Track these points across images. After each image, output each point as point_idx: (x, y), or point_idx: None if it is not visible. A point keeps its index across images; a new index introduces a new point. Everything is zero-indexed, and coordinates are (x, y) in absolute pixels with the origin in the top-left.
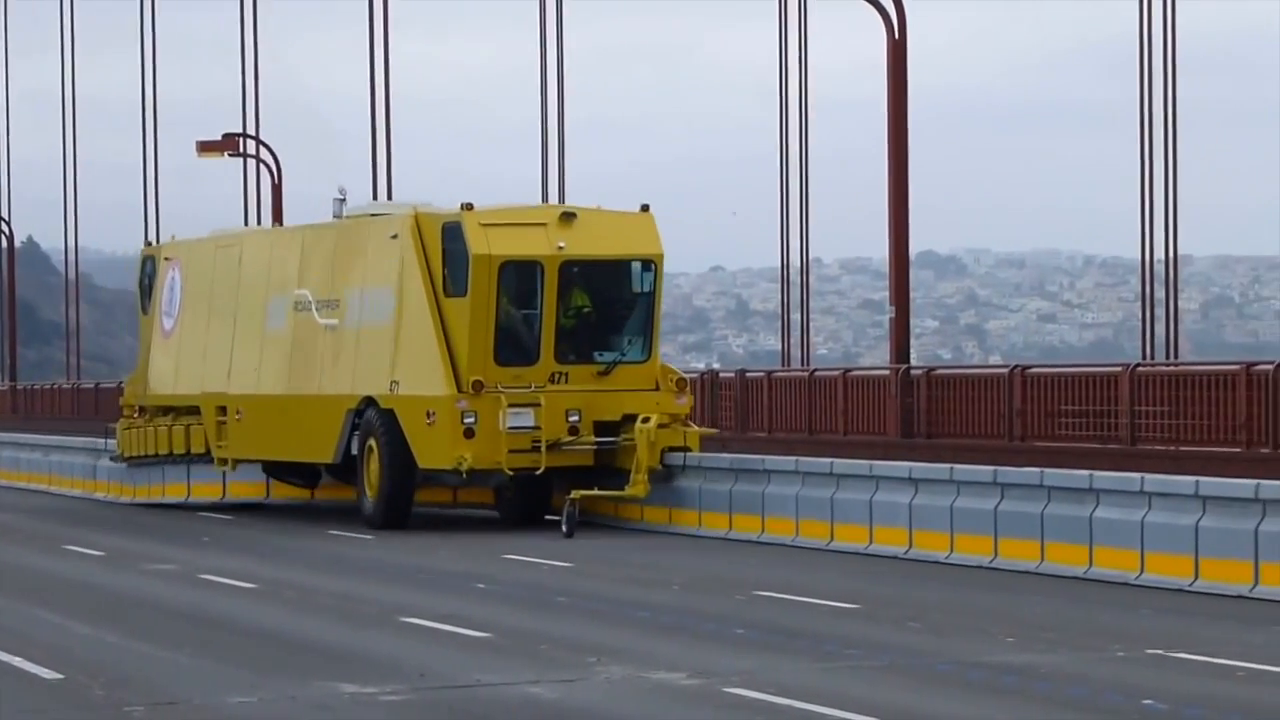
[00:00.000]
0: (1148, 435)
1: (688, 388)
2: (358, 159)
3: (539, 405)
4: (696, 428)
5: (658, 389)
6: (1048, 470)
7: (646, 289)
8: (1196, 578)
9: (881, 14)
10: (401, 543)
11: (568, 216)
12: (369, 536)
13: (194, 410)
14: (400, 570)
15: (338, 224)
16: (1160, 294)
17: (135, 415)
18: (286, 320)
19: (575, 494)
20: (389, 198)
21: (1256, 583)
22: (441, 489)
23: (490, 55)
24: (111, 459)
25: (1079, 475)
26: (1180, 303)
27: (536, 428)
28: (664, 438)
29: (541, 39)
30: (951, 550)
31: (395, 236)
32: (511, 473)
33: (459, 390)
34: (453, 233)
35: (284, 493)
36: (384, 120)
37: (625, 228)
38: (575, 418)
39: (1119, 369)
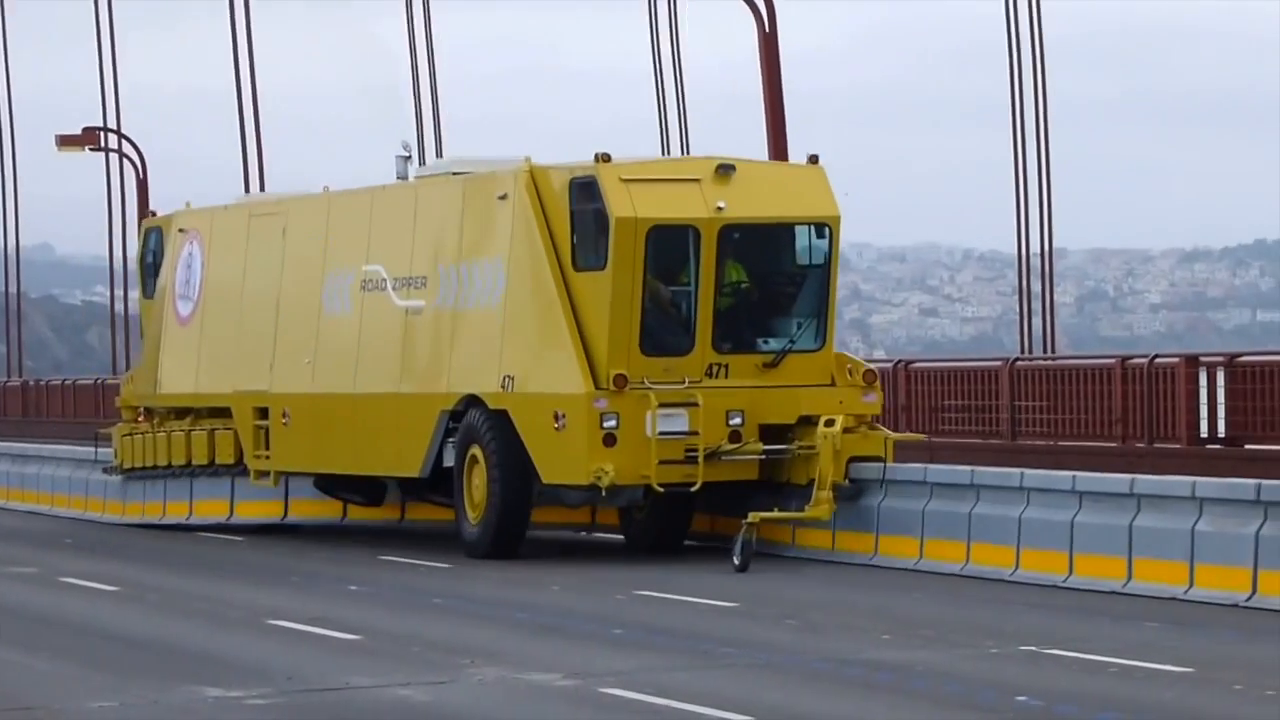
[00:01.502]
0: (1028, 430)
1: (877, 382)
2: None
3: (696, 405)
4: (888, 431)
5: (833, 384)
6: (930, 466)
7: (819, 260)
8: (1071, 574)
9: (753, 9)
10: (506, 574)
11: (726, 169)
12: (445, 566)
13: (221, 412)
14: (510, 610)
15: (418, 184)
16: (1036, 288)
17: (139, 419)
18: (352, 302)
19: (754, 517)
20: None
21: (1129, 578)
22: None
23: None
24: (105, 471)
25: (960, 471)
26: (1055, 296)
27: (693, 433)
28: (851, 445)
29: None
30: (834, 547)
31: (505, 197)
32: (662, 489)
33: (596, 387)
34: (585, 190)
35: (307, 511)
36: (252, 114)
37: (792, 184)
38: (737, 420)
39: (999, 364)
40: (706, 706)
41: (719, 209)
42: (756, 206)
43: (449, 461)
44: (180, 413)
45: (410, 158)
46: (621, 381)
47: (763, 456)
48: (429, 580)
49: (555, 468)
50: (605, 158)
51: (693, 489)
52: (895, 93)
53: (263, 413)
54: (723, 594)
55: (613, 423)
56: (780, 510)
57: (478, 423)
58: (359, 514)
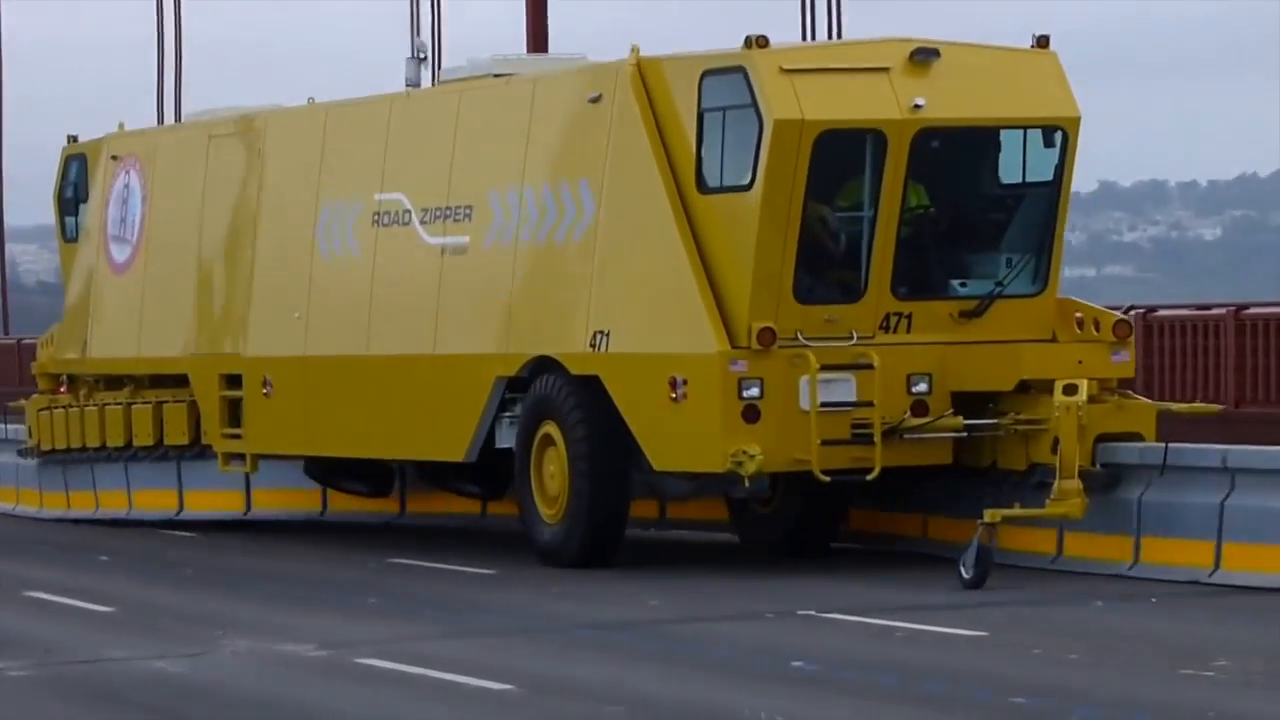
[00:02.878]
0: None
1: (1131, 336)
2: None
3: (870, 367)
4: (1146, 400)
5: (1054, 339)
6: (1232, 448)
7: (1045, 175)
8: None
9: None
10: (605, 587)
11: (925, 54)
12: (488, 572)
13: (170, 381)
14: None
15: (460, 89)
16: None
17: (60, 389)
18: (360, 241)
19: (993, 515)
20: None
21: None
22: None
23: None
24: (20, 453)
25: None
26: None
27: (865, 403)
28: (1100, 419)
29: None
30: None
31: (598, 99)
32: (827, 478)
33: (733, 344)
34: (728, 85)
35: (276, 503)
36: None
37: (1013, 75)
38: (922, 387)
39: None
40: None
41: (916, 107)
42: (966, 104)
43: (504, 442)
44: (113, 381)
45: (426, 59)
46: (768, 337)
47: (963, 434)
48: (503, 595)
49: (672, 450)
50: (761, 41)
51: (867, 477)
52: None
53: (233, 381)
54: (975, 621)
55: (755, 391)
56: (1021, 506)
57: (555, 393)
58: (344, 505)
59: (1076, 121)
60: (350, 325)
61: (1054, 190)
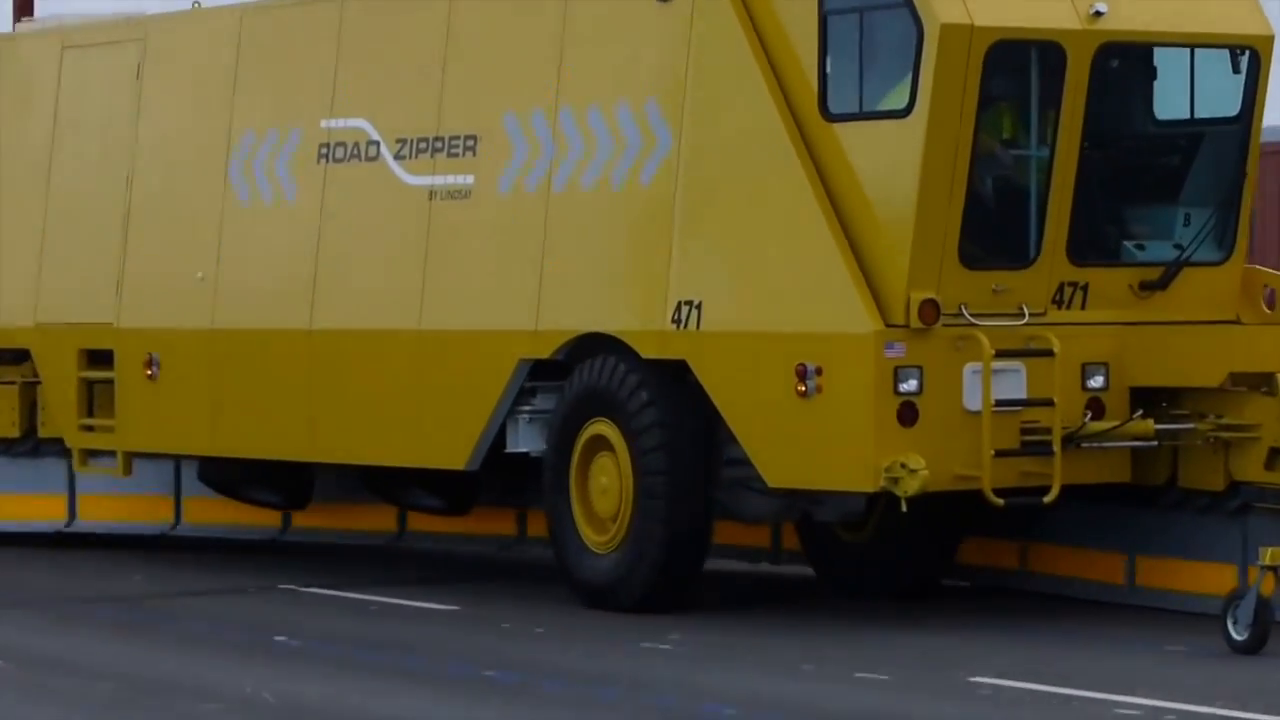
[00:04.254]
0: None
1: None
2: None
3: (1050, 354)
4: None
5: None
6: None
7: (1233, 110)
8: None
9: None
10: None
11: None
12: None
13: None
14: None
15: None
16: None
17: None
18: (298, 182)
19: (1271, 555)
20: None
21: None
22: None
23: None
24: None
25: None
26: None
27: (1044, 402)
28: None
29: None
30: None
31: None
32: (1001, 501)
33: (885, 323)
34: None
35: (106, 513)
36: None
37: None
38: (1098, 381)
39: None
40: None
41: (1097, 14)
42: (1148, 15)
43: (521, 445)
44: None
45: None
46: (932, 312)
47: (1154, 442)
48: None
49: (800, 460)
50: None
51: (1045, 500)
52: None
53: (97, 358)
54: None
55: (914, 384)
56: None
57: (615, 382)
58: (203, 517)
59: (1271, 41)
60: (284, 290)
61: (1244, 129)
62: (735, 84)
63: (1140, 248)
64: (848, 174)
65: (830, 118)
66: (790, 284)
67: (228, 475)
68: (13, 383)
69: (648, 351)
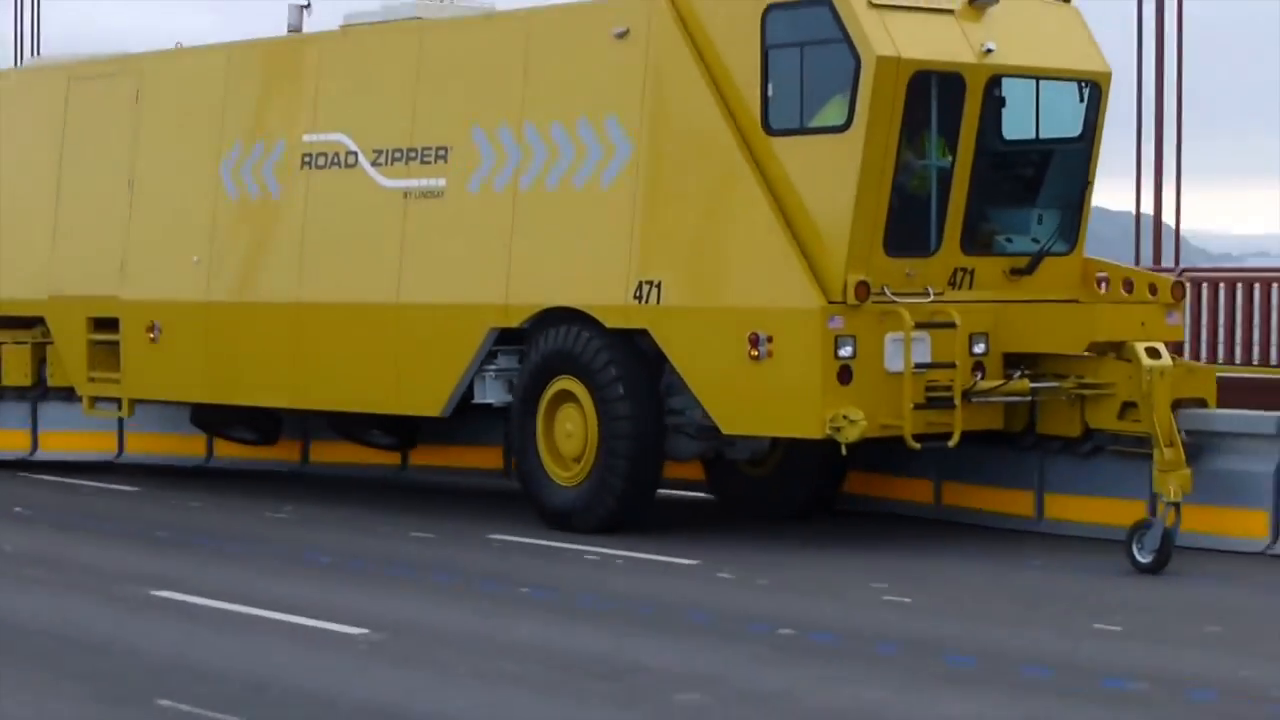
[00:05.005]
0: None
1: (1185, 298)
2: None
3: (952, 326)
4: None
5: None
6: None
7: (1081, 130)
8: None
9: None
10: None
11: (985, 0)
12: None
13: (16, 324)
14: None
15: (413, 28)
16: None
17: None
18: (281, 183)
19: (1177, 491)
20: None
21: None
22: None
23: None
24: None
25: None
26: None
27: (948, 364)
28: (1177, 384)
29: None
30: None
31: (624, 34)
32: (919, 445)
33: (826, 300)
34: (804, 20)
35: (151, 447)
36: None
37: (1051, 27)
38: (981, 348)
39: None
40: None
41: (988, 51)
42: (1025, 52)
43: (485, 397)
44: None
45: (309, 7)
46: (864, 292)
47: (1029, 398)
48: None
49: (751, 412)
50: None
51: (949, 444)
52: None
53: (102, 325)
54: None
55: (849, 350)
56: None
57: (580, 347)
58: (232, 452)
59: (1109, 77)
60: (271, 270)
61: (1087, 146)
62: (688, 104)
63: (1009, 240)
64: (785, 178)
65: (771, 132)
66: (742, 267)
67: (214, 418)
68: (24, 343)
69: (612, 322)
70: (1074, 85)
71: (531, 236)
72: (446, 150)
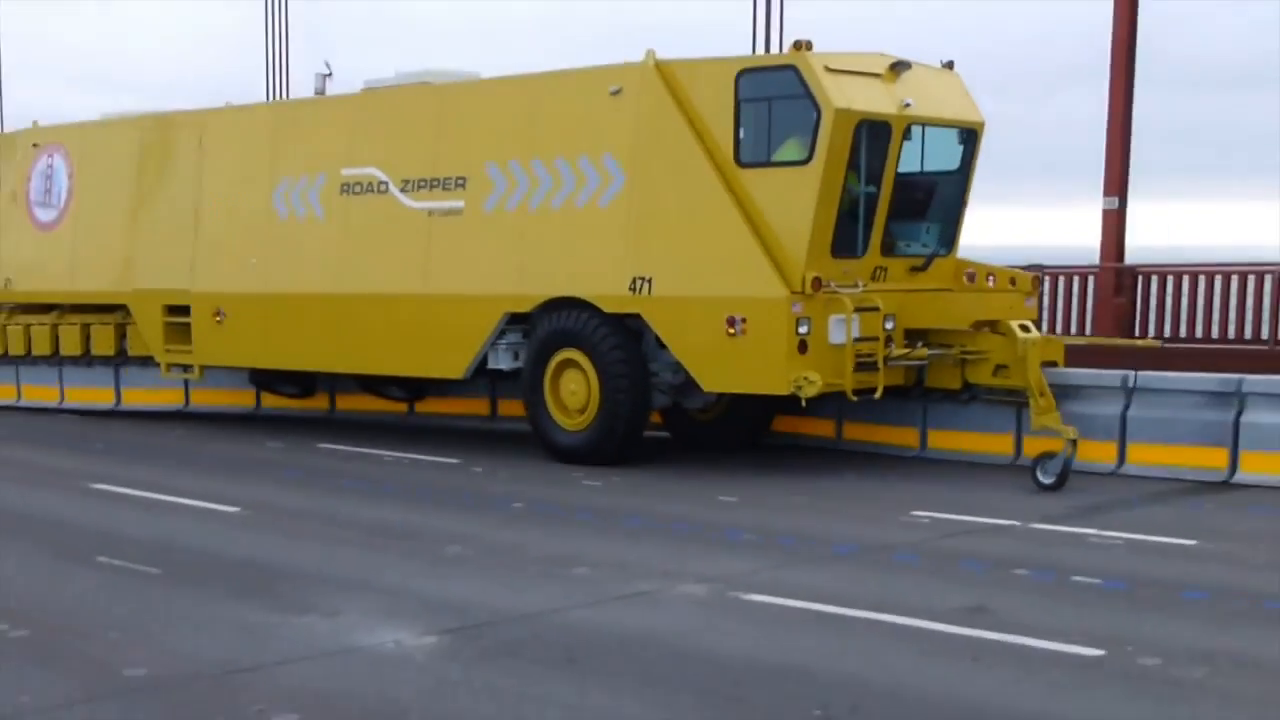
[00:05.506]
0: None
1: (1039, 288)
2: None
3: (877, 310)
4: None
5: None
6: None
7: (961, 165)
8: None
9: None
10: (695, 488)
11: (901, 66)
12: (596, 482)
13: (99, 309)
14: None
15: (439, 90)
16: None
17: None
18: (324, 205)
19: (1073, 430)
20: None
21: None
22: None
23: None
24: None
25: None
26: None
27: (873, 338)
28: (1042, 350)
29: None
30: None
31: (619, 92)
32: (856, 398)
33: (789, 290)
34: (773, 81)
35: (210, 400)
36: None
37: (944, 88)
38: (890, 325)
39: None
40: None
41: (906, 105)
42: (928, 107)
43: (497, 363)
44: (31, 309)
45: (330, 75)
46: (817, 284)
47: (925, 362)
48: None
49: (729, 375)
50: (807, 45)
51: (875, 395)
52: None
53: (173, 310)
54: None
55: (806, 328)
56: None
57: (582, 326)
58: (274, 403)
59: (983, 125)
60: (316, 270)
61: (963, 177)
62: (672, 143)
63: (908, 245)
64: (751, 200)
65: (741, 165)
66: (720, 266)
67: (266, 378)
68: (108, 323)
69: (610, 308)
70: (956, 131)
71: (539, 244)
72: (465, 180)
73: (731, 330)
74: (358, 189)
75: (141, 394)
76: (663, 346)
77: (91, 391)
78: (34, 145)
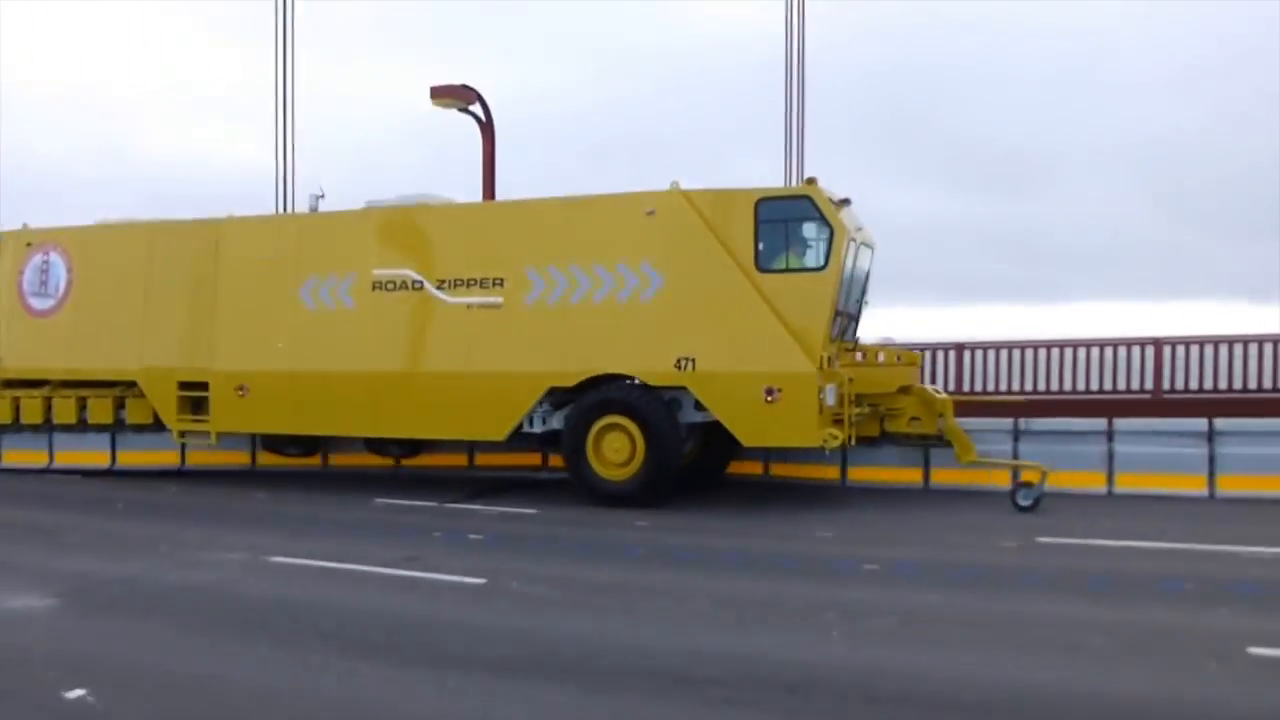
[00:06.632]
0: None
1: (920, 361)
2: None
3: (850, 380)
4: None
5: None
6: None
7: (866, 271)
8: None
9: None
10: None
11: (846, 201)
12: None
13: (95, 385)
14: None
15: (467, 209)
16: None
17: None
18: (354, 298)
19: (1043, 469)
20: None
21: None
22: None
23: None
24: None
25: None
26: None
27: (854, 401)
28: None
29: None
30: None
31: (652, 213)
32: (843, 449)
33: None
34: (788, 207)
35: (206, 460)
36: None
37: (857, 217)
38: (844, 390)
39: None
40: None
41: (860, 229)
42: (859, 232)
43: (532, 428)
44: (28, 384)
45: (323, 197)
46: (826, 362)
47: (865, 416)
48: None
49: (766, 433)
50: (813, 180)
51: (851, 444)
52: None
53: (190, 385)
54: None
55: (823, 395)
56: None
57: (631, 397)
58: (269, 461)
59: (876, 246)
60: (346, 350)
61: (867, 281)
62: (703, 252)
63: (844, 334)
64: (775, 299)
65: (761, 271)
66: (755, 347)
67: (277, 442)
68: (105, 396)
69: (656, 382)
70: (870, 249)
71: (580, 330)
72: (503, 280)
73: (769, 398)
74: (390, 286)
75: (137, 455)
76: (700, 409)
77: (85, 454)
78: (28, 245)
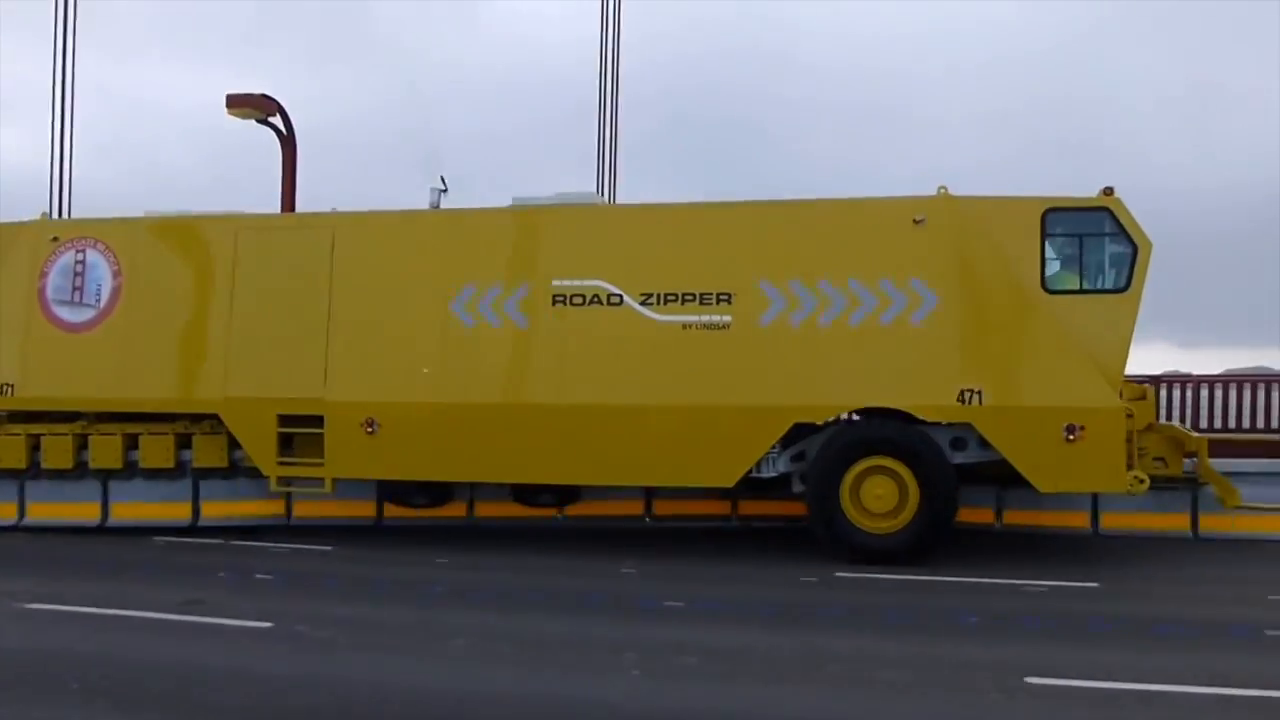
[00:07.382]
0: None
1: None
2: None
3: (1131, 416)
4: None
5: None
6: None
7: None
8: None
9: None
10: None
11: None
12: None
13: (146, 419)
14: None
15: (696, 209)
16: None
17: None
18: (527, 315)
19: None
20: None
21: None
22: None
23: None
24: None
25: None
26: None
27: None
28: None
29: None
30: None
31: (921, 221)
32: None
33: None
34: (1083, 220)
35: (320, 512)
36: None
37: None
38: None
39: None
40: None
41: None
42: None
43: (765, 471)
44: (36, 417)
45: (446, 190)
46: (1123, 394)
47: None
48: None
49: (1066, 477)
50: (1111, 190)
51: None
52: None
53: (291, 420)
54: None
55: (1124, 433)
56: None
57: (898, 435)
58: (396, 513)
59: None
60: (518, 378)
61: None
62: (982, 269)
63: None
64: (1062, 321)
65: (1049, 292)
66: (1052, 379)
67: (398, 490)
68: (162, 434)
69: (934, 418)
70: None
71: (832, 358)
72: (730, 295)
73: (1070, 437)
74: (578, 300)
75: (224, 507)
76: (959, 448)
77: (149, 507)
78: (53, 239)
